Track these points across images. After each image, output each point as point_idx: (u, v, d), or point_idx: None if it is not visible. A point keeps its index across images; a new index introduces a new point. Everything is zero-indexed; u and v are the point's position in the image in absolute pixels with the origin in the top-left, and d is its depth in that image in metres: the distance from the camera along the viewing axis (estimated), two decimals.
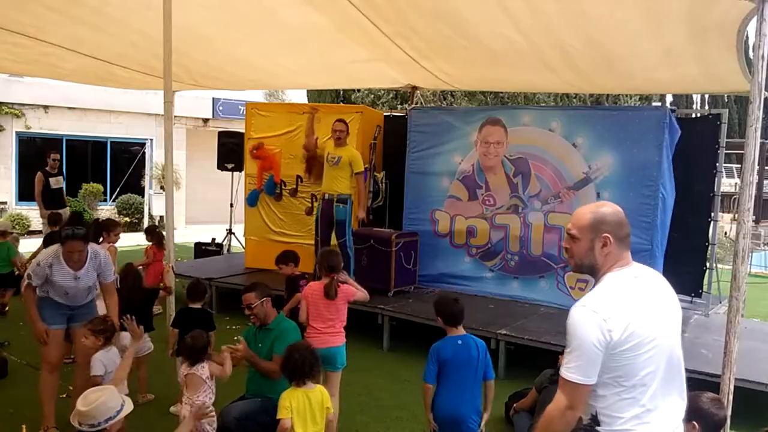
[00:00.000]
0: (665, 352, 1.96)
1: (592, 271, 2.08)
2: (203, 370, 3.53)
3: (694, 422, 2.78)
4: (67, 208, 9.63)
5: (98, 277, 4.07)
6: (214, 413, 3.56)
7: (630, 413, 1.93)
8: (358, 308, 6.17)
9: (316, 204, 7.62)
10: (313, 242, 7.27)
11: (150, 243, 6.96)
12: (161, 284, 4.94)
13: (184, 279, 7.02)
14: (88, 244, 3.95)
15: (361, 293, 4.14)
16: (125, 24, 5.52)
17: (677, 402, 2.05)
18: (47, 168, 9.06)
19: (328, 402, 3.28)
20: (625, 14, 4.49)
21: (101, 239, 5.62)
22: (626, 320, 1.89)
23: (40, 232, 10.99)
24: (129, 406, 2.70)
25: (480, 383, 3.46)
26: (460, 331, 3.50)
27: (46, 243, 6.38)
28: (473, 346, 3.44)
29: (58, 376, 4.08)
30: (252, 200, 8.27)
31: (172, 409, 4.35)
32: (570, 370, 1.92)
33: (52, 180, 9.04)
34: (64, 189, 9.60)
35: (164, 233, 5.38)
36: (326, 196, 6.73)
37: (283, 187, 8.03)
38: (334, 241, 6.77)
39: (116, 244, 5.98)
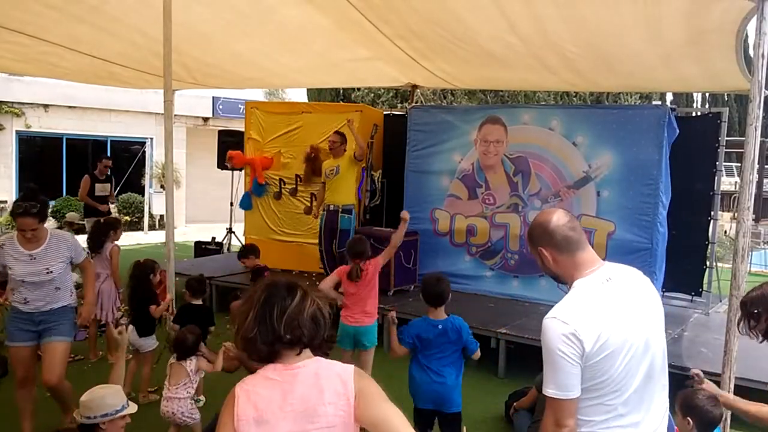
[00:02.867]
0: (642, 356, 1.89)
1: (561, 281, 2.03)
2: (190, 363, 3.70)
3: (689, 418, 2.79)
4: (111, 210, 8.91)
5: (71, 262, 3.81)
6: (195, 408, 3.74)
7: (600, 417, 1.87)
8: None
9: (315, 203, 7.62)
10: (312, 241, 7.36)
11: None
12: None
13: (184, 278, 7.02)
14: (42, 222, 3.61)
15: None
16: (125, 22, 5.50)
17: (658, 404, 1.97)
18: (96, 172, 8.47)
19: None
20: (624, 18, 4.48)
21: (107, 238, 5.53)
22: (597, 330, 1.81)
23: None
24: (131, 409, 2.70)
25: (460, 362, 3.50)
26: (440, 314, 3.49)
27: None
28: (452, 329, 3.45)
29: (32, 390, 3.84)
30: (245, 204, 8.26)
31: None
32: (549, 386, 1.85)
33: (98, 186, 8.44)
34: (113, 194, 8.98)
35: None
36: (331, 207, 6.79)
37: (282, 186, 8.04)
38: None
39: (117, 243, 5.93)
